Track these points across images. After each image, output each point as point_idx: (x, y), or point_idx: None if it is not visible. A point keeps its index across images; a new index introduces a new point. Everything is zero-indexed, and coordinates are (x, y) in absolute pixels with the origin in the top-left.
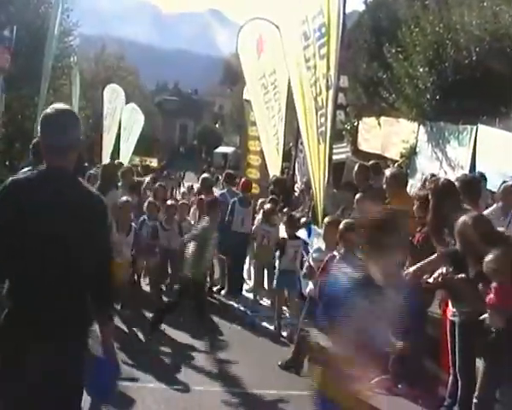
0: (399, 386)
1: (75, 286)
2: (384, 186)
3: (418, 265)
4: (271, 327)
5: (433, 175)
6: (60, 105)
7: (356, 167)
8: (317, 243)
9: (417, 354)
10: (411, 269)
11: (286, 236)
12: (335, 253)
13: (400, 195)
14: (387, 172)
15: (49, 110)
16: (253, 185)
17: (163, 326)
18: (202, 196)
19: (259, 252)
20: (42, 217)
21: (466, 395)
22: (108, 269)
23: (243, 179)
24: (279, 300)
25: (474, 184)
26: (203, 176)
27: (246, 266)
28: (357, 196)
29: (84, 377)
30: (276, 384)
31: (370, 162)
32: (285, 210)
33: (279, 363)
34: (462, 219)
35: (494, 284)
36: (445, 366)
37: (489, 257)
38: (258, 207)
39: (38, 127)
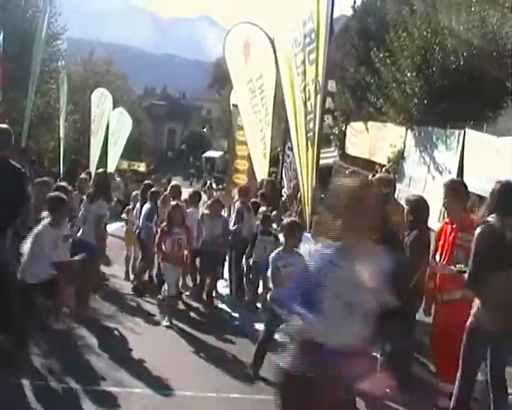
0: (387, 390)
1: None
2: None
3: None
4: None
5: None
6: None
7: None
8: (304, 247)
9: (406, 357)
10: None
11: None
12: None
13: (389, 200)
14: (376, 177)
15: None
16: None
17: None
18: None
19: None
20: None
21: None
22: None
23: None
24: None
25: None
26: (193, 190)
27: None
28: None
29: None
30: (267, 389)
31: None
32: (274, 213)
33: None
34: None
35: None
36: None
37: None
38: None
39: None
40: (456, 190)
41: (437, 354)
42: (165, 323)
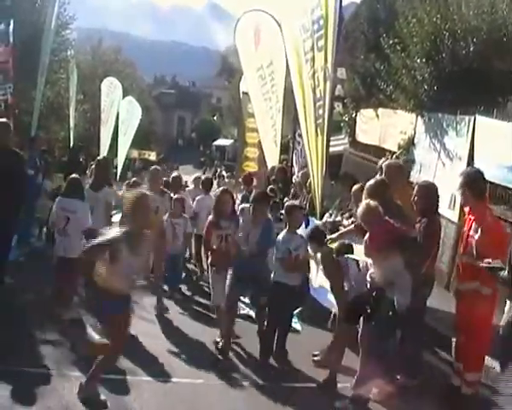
0: (398, 378)
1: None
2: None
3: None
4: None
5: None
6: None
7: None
8: None
9: (417, 344)
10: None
11: None
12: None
13: (403, 186)
14: (386, 163)
15: None
16: (251, 178)
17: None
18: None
19: None
20: None
21: None
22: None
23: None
24: None
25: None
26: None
27: None
28: (354, 187)
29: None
30: (273, 376)
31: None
32: (285, 200)
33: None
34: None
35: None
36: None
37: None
38: None
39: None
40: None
41: (460, 345)
42: (217, 339)
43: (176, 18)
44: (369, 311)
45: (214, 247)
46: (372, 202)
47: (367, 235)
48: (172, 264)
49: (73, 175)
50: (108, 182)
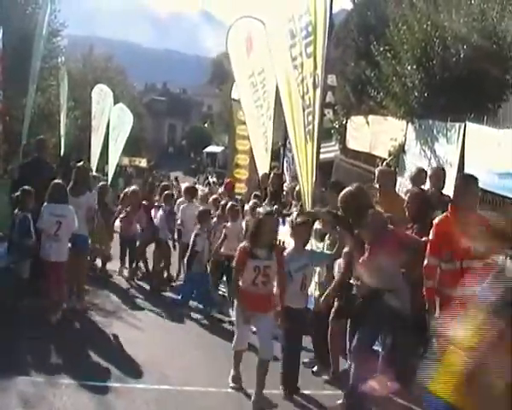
0: (389, 384)
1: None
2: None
3: None
4: None
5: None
6: None
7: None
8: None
9: (407, 352)
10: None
11: None
12: None
13: (390, 192)
14: (380, 168)
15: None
16: (241, 185)
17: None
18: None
19: None
20: None
21: None
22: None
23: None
24: None
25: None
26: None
27: None
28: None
29: None
30: (270, 383)
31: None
32: (275, 207)
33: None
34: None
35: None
36: None
37: None
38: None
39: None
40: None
41: None
42: (231, 384)
43: (171, 25)
44: (361, 317)
45: (246, 281)
46: (378, 211)
47: (370, 243)
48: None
49: (56, 181)
50: (88, 187)
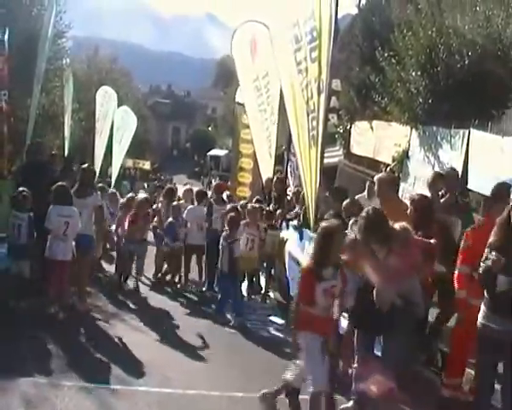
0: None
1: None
2: (375, 191)
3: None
4: (263, 330)
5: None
6: None
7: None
8: (310, 247)
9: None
10: None
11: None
12: None
13: (392, 199)
14: (379, 176)
15: None
16: (245, 189)
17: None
18: None
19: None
20: None
21: None
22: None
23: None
24: None
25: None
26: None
27: None
28: (345, 202)
29: None
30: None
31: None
32: (278, 212)
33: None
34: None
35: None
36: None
37: None
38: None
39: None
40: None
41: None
42: None
43: (175, 28)
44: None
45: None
46: (404, 224)
47: (397, 255)
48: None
49: (60, 183)
50: (94, 188)
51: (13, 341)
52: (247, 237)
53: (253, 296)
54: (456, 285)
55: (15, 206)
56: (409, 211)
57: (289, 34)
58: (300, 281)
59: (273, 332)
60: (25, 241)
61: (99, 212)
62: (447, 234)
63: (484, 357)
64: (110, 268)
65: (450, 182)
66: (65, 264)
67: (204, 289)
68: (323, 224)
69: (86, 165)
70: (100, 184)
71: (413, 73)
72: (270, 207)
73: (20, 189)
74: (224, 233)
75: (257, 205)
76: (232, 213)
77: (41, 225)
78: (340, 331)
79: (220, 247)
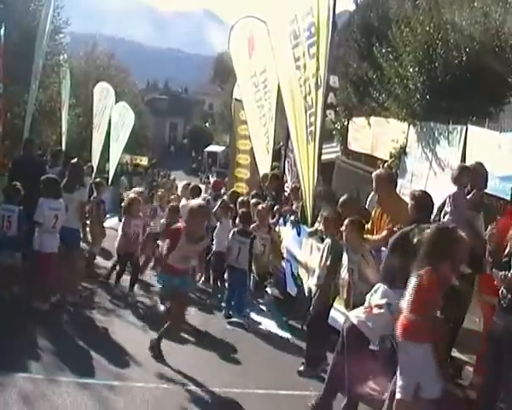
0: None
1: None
2: (373, 187)
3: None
4: (263, 327)
5: None
6: None
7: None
8: (307, 242)
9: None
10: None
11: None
12: None
13: (391, 195)
14: (376, 173)
15: None
16: (242, 185)
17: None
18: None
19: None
20: None
21: None
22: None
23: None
24: None
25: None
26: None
27: None
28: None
29: None
30: (266, 384)
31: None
32: (275, 208)
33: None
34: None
35: None
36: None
37: None
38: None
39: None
40: None
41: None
42: None
43: (173, 24)
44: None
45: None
46: None
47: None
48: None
49: (50, 176)
50: (82, 183)
51: (7, 335)
52: (258, 241)
53: (260, 300)
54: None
55: (6, 198)
56: (409, 207)
57: (287, 30)
58: (426, 291)
59: (271, 329)
60: (15, 233)
61: (80, 206)
62: (475, 234)
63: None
64: (106, 263)
65: (478, 177)
66: (53, 256)
67: (200, 283)
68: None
69: (75, 160)
70: (97, 180)
71: (411, 69)
72: (267, 204)
73: (13, 183)
74: (235, 229)
75: (254, 200)
76: (244, 209)
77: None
78: (333, 325)
79: (232, 242)
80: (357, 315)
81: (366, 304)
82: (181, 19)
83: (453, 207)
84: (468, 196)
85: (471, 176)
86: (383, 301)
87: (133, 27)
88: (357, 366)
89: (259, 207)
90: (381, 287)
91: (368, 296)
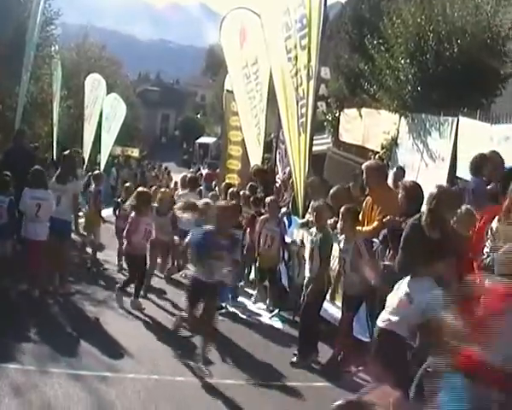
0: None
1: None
2: (364, 178)
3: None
4: (256, 317)
5: None
6: None
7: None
8: (298, 233)
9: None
10: None
11: None
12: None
13: (381, 186)
14: (366, 164)
15: None
16: (234, 176)
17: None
18: None
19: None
20: None
21: None
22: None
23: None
24: None
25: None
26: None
27: None
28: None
29: None
30: (258, 375)
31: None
32: (267, 200)
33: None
34: None
35: None
36: None
37: None
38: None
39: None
40: None
41: None
42: None
43: (166, 16)
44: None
45: None
46: None
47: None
48: None
49: (37, 167)
50: (75, 174)
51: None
52: (267, 234)
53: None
54: None
55: None
56: (399, 197)
57: (280, 22)
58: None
59: (263, 320)
60: (6, 221)
61: (74, 198)
62: None
63: None
64: (100, 255)
65: (497, 168)
66: (38, 244)
67: None
68: None
69: (68, 151)
70: (96, 172)
71: (402, 61)
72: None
73: (4, 172)
74: (263, 217)
75: (248, 192)
76: (234, 201)
77: None
78: (327, 318)
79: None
80: (380, 319)
81: (387, 303)
82: (176, 11)
83: (472, 198)
84: (488, 187)
85: (490, 166)
86: (402, 293)
87: (126, 19)
88: (400, 368)
89: (268, 199)
90: (402, 282)
91: (389, 296)
